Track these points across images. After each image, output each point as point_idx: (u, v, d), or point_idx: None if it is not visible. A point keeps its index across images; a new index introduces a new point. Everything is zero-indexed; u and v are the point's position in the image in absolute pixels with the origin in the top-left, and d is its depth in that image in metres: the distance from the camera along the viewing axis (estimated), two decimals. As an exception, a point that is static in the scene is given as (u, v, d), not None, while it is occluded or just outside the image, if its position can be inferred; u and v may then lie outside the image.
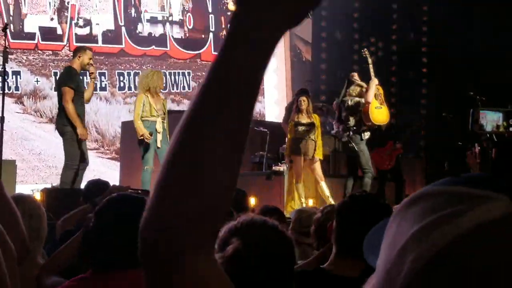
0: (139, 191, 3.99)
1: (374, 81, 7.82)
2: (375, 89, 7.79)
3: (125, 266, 1.93)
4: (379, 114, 7.79)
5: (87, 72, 7.24)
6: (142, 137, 7.25)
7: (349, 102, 7.82)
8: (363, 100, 7.77)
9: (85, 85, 7.37)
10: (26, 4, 10.56)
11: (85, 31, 11.07)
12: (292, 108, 8.22)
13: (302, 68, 13.40)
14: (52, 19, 10.73)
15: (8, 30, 7.85)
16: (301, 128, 7.96)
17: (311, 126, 7.99)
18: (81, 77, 7.19)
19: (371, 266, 0.62)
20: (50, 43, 10.72)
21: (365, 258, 0.69)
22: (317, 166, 7.98)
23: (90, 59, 7.08)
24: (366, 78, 7.97)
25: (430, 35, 13.15)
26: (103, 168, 10.24)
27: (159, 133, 7.30)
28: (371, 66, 7.94)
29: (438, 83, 12.32)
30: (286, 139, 8.23)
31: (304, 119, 8.00)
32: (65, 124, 6.88)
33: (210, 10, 12.34)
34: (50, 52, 10.69)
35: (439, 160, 10.80)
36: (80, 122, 6.85)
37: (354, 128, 7.77)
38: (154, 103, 7.36)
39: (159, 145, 7.30)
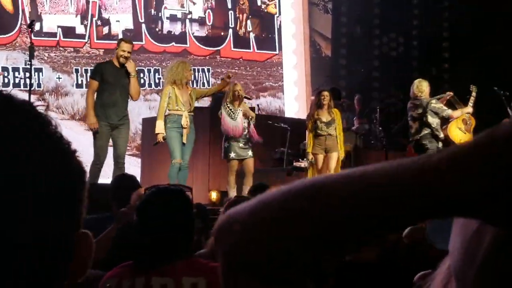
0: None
1: (468, 109, 8.26)
2: (465, 117, 8.24)
3: (167, 259, 1.95)
4: (459, 134, 8.16)
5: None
6: (157, 134, 7.20)
7: (434, 103, 7.97)
8: (449, 112, 8.03)
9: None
10: (47, 2, 10.64)
11: (105, 28, 11.13)
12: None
13: (321, 64, 13.36)
14: (83, 24, 10.80)
15: (33, 27, 7.92)
16: (321, 125, 7.94)
17: (331, 122, 7.97)
18: (122, 69, 7.11)
19: (383, 251, 0.61)
20: (72, 40, 10.80)
21: (431, 243, 0.68)
22: (333, 162, 7.95)
23: (124, 51, 7.07)
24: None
25: (451, 30, 13.03)
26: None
27: (184, 128, 7.22)
28: (473, 98, 8.38)
29: (461, 78, 12.21)
30: (307, 135, 8.21)
31: (324, 115, 7.96)
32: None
33: (229, 6, 12.35)
34: (72, 49, 10.76)
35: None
36: (92, 113, 6.92)
37: (433, 126, 7.98)
38: (181, 95, 7.25)
39: (184, 140, 7.24)
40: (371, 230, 0.55)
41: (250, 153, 7.64)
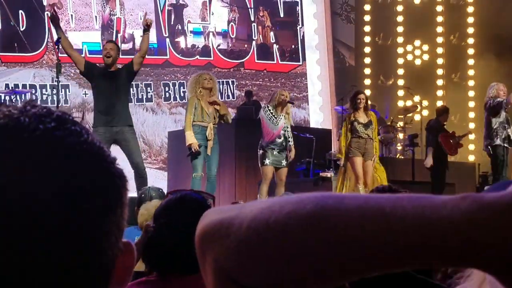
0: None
1: None
2: None
3: (186, 271, 1.88)
4: None
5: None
6: (189, 146, 7.13)
7: (492, 101, 8.09)
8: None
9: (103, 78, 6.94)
10: (72, 19, 10.79)
11: (130, 44, 11.24)
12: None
13: (345, 74, 13.32)
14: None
15: (60, 44, 7.92)
16: (359, 126, 7.67)
17: (369, 124, 7.71)
18: (110, 71, 6.91)
19: None
20: (97, 56, 10.89)
21: None
22: (371, 169, 7.71)
23: (105, 49, 6.98)
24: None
25: (476, 37, 12.92)
26: (150, 178, 10.20)
27: (209, 140, 7.14)
28: None
29: (485, 86, 12.08)
30: (339, 139, 8.02)
31: (361, 117, 7.71)
32: None
33: (252, 18, 12.40)
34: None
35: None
36: None
37: (494, 127, 8.08)
38: (206, 106, 7.16)
39: (209, 152, 7.16)
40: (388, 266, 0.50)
41: (284, 162, 7.51)
